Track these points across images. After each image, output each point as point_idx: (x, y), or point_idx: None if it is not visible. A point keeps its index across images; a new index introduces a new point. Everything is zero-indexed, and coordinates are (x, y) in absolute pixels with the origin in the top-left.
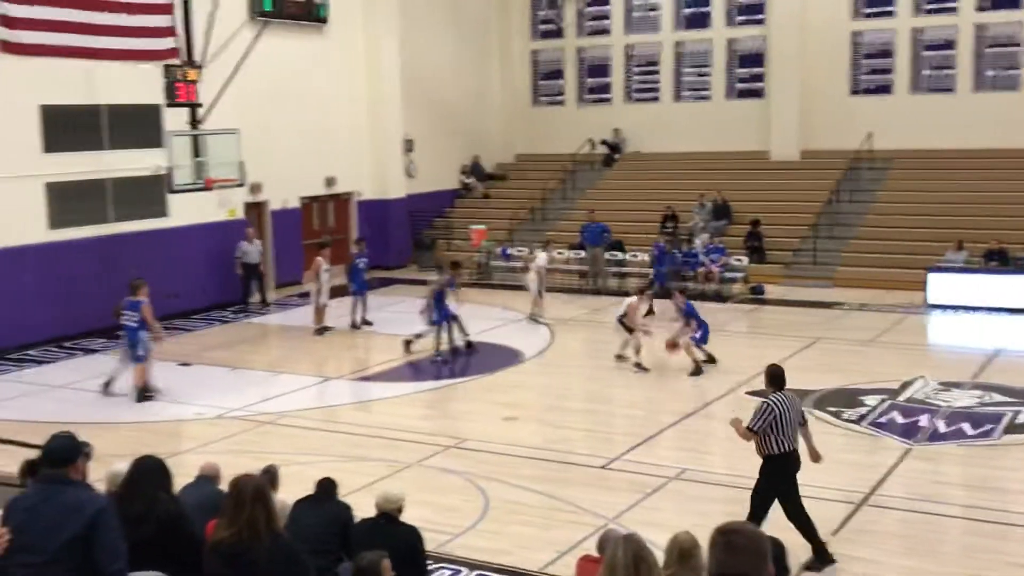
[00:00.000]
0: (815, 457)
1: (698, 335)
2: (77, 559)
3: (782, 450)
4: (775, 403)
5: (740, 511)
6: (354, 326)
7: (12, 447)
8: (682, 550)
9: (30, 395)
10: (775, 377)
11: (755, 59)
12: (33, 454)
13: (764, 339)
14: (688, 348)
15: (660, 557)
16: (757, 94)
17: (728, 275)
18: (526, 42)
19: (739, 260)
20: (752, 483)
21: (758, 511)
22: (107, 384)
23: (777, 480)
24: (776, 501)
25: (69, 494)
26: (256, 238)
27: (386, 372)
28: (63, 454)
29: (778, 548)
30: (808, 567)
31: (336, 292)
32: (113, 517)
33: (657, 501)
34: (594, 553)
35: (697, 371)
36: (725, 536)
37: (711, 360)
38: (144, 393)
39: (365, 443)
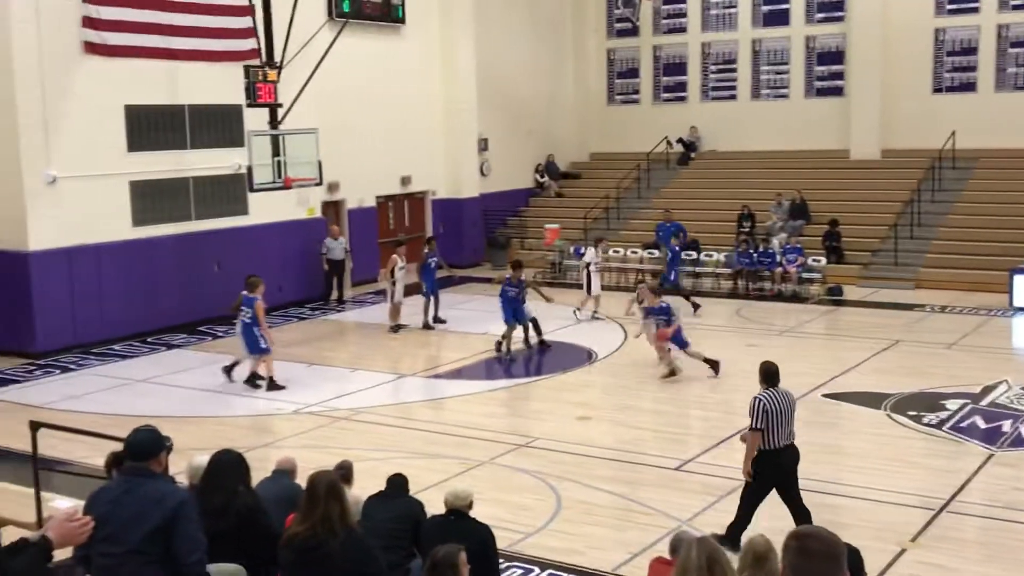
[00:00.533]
0: None
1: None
2: (158, 550)
3: (773, 446)
4: (766, 399)
5: (816, 515)
6: (426, 326)
7: (97, 440)
8: (756, 554)
9: (113, 389)
10: (768, 374)
11: (835, 56)
12: (117, 447)
13: (842, 341)
14: (663, 350)
15: (734, 560)
16: (837, 92)
17: (805, 275)
18: (601, 41)
19: (817, 260)
20: (827, 487)
21: (748, 505)
22: (229, 369)
23: (770, 474)
24: (776, 494)
25: (151, 486)
26: (341, 235)
27: (459, 370)
28: (146, 447)
29: (854, 554)
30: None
31: (411, 290)
32: (193, 509)
33: (731, 504)
34: (667, 555)
35: (671, 373)
36: (800, 540)
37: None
38: (272, 383)
39: (438, 440)
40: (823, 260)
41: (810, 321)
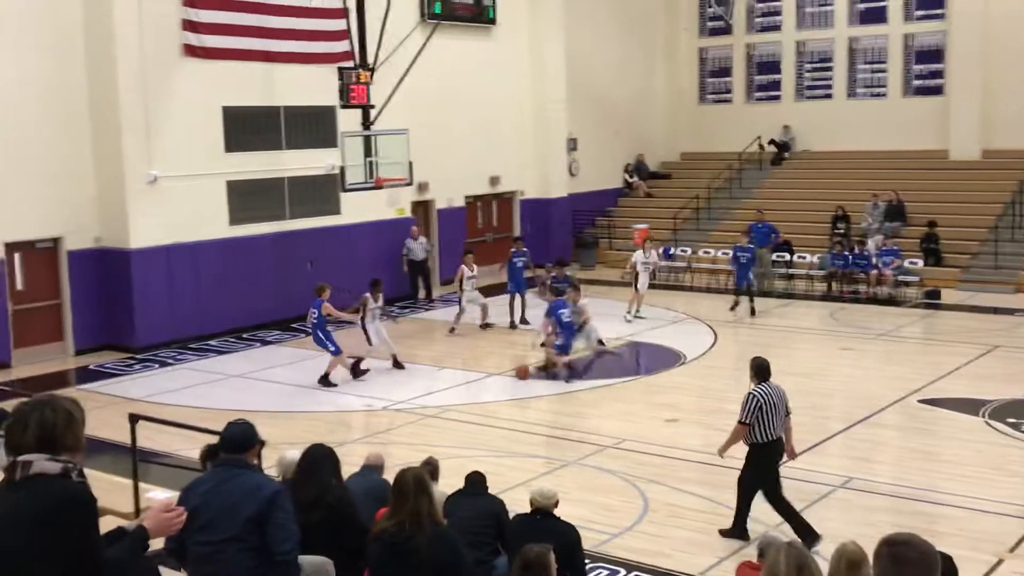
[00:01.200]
0: (790, 454)
1: (559, 342)
2: (255, 539)
3: (766, 439)
4: (759, 394)
5: (910, 522)
6: (512, 325)
7: (193, 432)
8: (849, 561)
9: (209, 384)
10: (760, 369)
11: (934, 55)
12: (212, 440)
13: (939, 346)
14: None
15: (824, 567)
16: (936, 91)
17: (902, 278)
18: (693, 39)
19: (914, 263)
20: (921, 494)
21: (746, 496)
22: (355, 369)
23: (763, 466)
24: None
25: (246, 477)
26: (421, 235)
27: (545, 370)
28: (241, 440)
29: (947, 561)
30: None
31: (494, 290)
32: (287, 500)
33: (822, 510)
34: (755, 559)
35: (546, 367)
36: (892, 548)
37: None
38: (329, 379)
39: (523, 439)
40: (920, 263)
41: (906, 325)
